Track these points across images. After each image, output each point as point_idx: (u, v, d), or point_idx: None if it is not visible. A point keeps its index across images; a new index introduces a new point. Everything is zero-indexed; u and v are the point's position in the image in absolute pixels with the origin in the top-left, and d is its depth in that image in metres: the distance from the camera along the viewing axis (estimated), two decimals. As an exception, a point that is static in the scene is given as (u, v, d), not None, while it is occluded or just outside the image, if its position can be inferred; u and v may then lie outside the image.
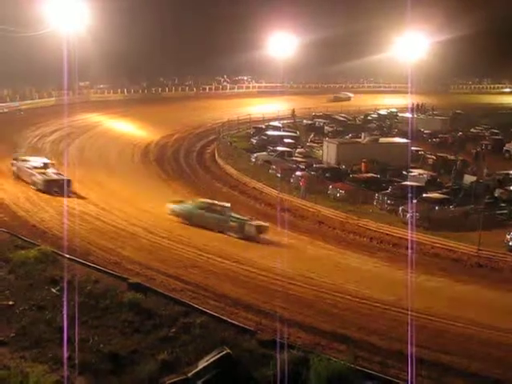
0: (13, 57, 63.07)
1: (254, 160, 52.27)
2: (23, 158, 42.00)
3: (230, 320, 19.83)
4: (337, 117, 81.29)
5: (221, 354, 16.14)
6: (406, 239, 33.64)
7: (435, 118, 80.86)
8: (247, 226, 33.24)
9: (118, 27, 77.36)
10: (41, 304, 20.16)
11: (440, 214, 38.00)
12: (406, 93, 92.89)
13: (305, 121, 78.08)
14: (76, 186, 39.30)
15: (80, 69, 55.33)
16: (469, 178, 47.51)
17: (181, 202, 36.39)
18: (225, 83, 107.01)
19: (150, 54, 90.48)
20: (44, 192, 37.12)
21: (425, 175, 47.72)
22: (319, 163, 52.07)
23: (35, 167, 39.58)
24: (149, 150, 58.74)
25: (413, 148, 54.50)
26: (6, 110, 66.66)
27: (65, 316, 18.73)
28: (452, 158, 55.89)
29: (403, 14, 71.54)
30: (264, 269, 27.02)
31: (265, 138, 62.72)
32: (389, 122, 79.41)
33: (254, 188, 45.52)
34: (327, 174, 47.04)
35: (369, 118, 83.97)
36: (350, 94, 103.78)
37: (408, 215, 37.24)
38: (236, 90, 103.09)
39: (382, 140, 60.22)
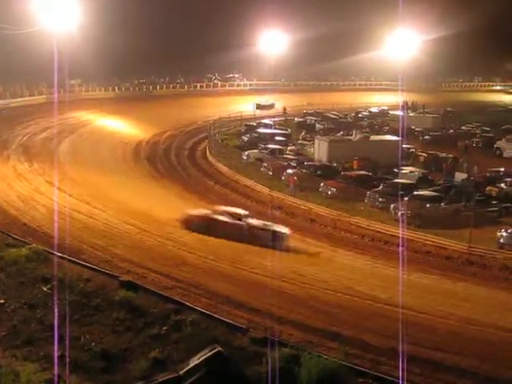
0: (3, 54, 62.81)
1: (245, 158, 52.30)
2: None
3: (221, 318, 19.82)
4: (328, 114, 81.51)
5: (212, 352, 16.12)
6: (398, 237, 33.69)
7: (426, 115, 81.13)
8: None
9: (108, 25, 77.29)
10: (32, 302, 20.09)
11: (431, 212, 38.09)
12: (398, 91, 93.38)
13: (296, 118, 78.15)
14: (67, 184, 39.24)
15: (71, 67, 55.08)
16: (460, 176, 47.67)
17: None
18: (216, 81, 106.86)
19: (141, 52, 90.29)
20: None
21: (416, 173, 47.85)
22: (310, 161, 52.12)
23: None
24: (140, 148, 58.70)
25: (404, 146, 54.59)
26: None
27: (56, 314, 18.69)
28: (443, 155, 56.01)
29: (395, 11, 71.80)
30: (255, 266, 27.02)
31: (256, 135, 62.89)
32: (380, 120, 79.55)
33: (245, 185, 45.53)
34: (319, 172, 47.06)
35: (360, 115, 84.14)
36: None
37: (399, 213, 37.34)
38: (227, 88, 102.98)
39: (374, 138, 60.38)
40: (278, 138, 60.61)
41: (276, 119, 76.28)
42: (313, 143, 58.14)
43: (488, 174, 49.13)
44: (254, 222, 32.28)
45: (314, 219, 38.40)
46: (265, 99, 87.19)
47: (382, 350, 19.19)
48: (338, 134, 64.66)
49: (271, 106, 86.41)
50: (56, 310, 19.04)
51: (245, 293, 23.58)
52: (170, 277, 24.55)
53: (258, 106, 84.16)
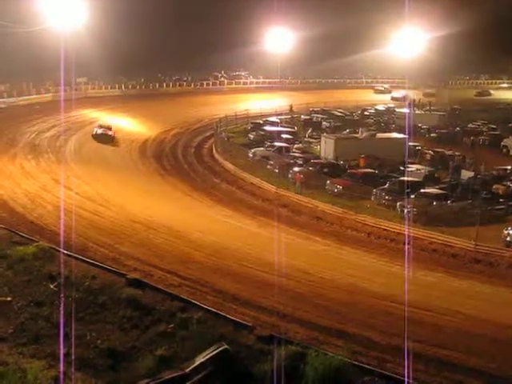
0: (10, 52, 62.99)
1: (251, 155, 52.22)
2: None
3: (228, 315, 19.88)
4: (334, 112, 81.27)
5: (218, 350, 16.19)
6: (404, 234, 33.65)
7: (433, 113, 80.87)
8: None
9: (115, 24, 77.38)
10: (39, 300, 20.20)
11: (438, 210, 37.99)
12: (404, 88, 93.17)
13: (302, 116, 77.99)
14: (74, 182, 39.38)
15: (77, 65, 55.16)
16: (466, 174, 47.54)
17: None
18: (222, 79, 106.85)
19: (147, 50, 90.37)
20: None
21: (422, 170, 47.74)
22: (317, 159, 52.06)
23: None
24: (146, 146, 58.68)
25: (410, 143, 54.50)
26: (3, 106, 66.50)
27: (62, 312, 18.77)
28: (450, 153, 55.91)
29: (402, 9, 71.64)
30: (262, 264, 27.06)
31: (262, 133, 62.76)
32: (386, 118, 79.41)
33: (251, 183, 45.48)
34: (325, 170, 46.96)
35: (366, 113, 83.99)
36: None
37: (406, 210, 37.27)
38: (233, 86, 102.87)
39: (380, 135, 60.23)
40: (284, 136, 60.46)
41: (282, 117, 76.18)
42: (319, 141, 58.10)
43: (495, 172, 49.01)
44: None
45: (320, 217, 38.36)
46: (105, 125, 59.38)
47: (387, 348, 19.24)
48: (345, 132, 64.60)
49: (110, 137, 57.40)
50: (62, 307, 19.13)
51: (251, 290, 23.64)
52: (176, 275, 24.64)
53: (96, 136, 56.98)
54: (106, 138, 56.64)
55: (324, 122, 72.78)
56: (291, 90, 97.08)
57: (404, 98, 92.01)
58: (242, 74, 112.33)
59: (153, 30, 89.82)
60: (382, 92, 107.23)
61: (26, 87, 76.83)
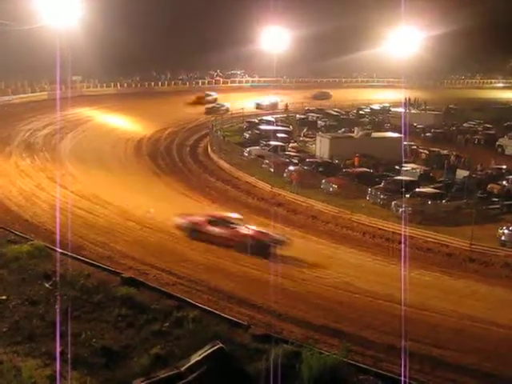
0: (6, 50, 62.76)
1: (246, 154, 52.23)
2: None
3: (223, 314, 19.84)
4: (330, 111, 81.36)
5: (214, 349, 16.11)
6: (399, 234, 33.69)
7: (428, 112, 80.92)
8: None
9: (110, 22, 77.22)
10: (34, 299, 20.10)
11: (433, 209, 38.10)
12: (400, 87, 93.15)
13: (298, 115, 78.01)
14: (69, 181, 39.31)
15: (73, 63, 55.06)
16: (461, 173, 47.62)
17: None
18: (218, 77, 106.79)
19: (143, 48, 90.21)
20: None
21: (418, 170, 47.82)
22: (312, 158, 52.11)
23: None
24: (142, 145, 58.64)
25: (406, 143, 54.56)
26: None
27: (58, 310, 18.71)
28: (445, 152, 55.98)
29: (397, 8, 71.51)
30: (257, 263, 27.06)
31: (258, 132, 62.78)
32: (382, 117, 79.43)
33: (246, 182, 45.50)
34: (320, 169, 47.10)
35: (362, 112, 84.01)
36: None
37: (401, 210, 37.32)
38: (229, 85, 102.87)
39: (375, 134, 60.30)
40: (279, 135, 60.51)
41: (278, 116, 76.14)
42: (314, 140, 58.13)
43: (490, 172, 49.12)
44: None
45: (316, 216, 38.40)
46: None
47: (382, 347, 19.22)
48: (340, 131, 64.65)
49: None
50: (57, 306, 19.07)
51: (246, 289, 23.61)
52: (171, 273, 24.60)
53: None
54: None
55: (319, 121, 72.84)
56: (287, 88, 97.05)
57: (271, 106, 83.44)
58: (238, 72, 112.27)
59: (149, 28, 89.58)
60: None
61: (21, 85, 76.73)
